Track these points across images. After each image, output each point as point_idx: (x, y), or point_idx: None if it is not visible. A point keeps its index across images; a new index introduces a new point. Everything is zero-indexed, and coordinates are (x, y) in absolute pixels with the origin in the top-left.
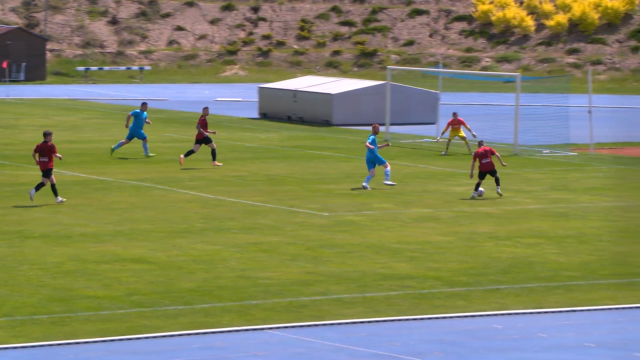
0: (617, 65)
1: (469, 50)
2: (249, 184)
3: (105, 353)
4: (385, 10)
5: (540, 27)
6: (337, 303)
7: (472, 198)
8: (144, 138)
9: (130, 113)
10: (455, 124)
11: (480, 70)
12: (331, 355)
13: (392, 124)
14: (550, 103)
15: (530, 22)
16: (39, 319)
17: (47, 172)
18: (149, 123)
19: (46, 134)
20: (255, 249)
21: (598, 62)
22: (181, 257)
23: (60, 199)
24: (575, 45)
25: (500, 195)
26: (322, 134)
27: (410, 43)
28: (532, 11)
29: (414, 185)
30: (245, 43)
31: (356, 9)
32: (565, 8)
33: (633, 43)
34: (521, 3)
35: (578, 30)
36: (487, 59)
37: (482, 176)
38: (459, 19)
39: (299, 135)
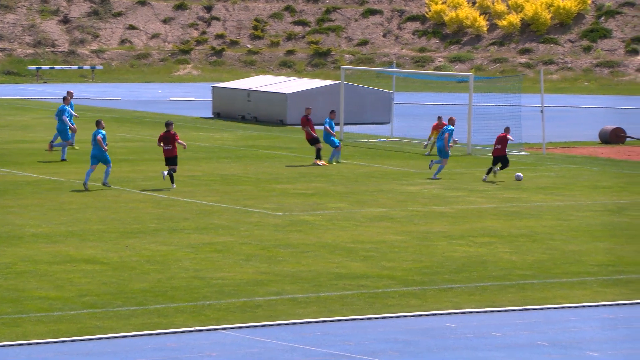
0: (569, 65)
1: (422, 50)
2: (202, 183)
3: (56, 354)
4: (338, 10)
5: (492, 27)
6: (292, 303)
7: (484, 180)
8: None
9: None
10: (440, 127)
11: (433, 70)
12: (285, 355)
13: (346, 124)
14: (503, 103)
15: (482, 22)
16: None
17: (173, 160)
18: (76, 116)
19: (168, 124)
20: (209, 249)
21: (550, 62)
22: (134, 257)
23: (173, 185)
24: (527, 45)
25: (495, 174)
26: (276, 133)
27: (363, 43)
28: (485, 11)
29: (368, 185)
30: (199, 42)
31: (310, 8)
32: (518, 8)
33: (585, 43)
34: (474, 3)
35: (530, 30)
36: (441, 59)
37: (494, 161)
38: (412, 19)
39: (253, 135)
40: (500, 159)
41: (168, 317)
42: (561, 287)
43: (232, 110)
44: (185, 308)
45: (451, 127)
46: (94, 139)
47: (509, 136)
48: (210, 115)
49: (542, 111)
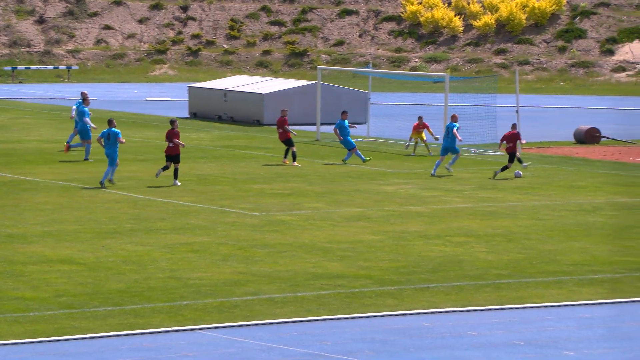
0: (544, 66)
1: (398, 50)
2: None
3: (33, 354)
4: (315, 11)
5: (468, 27)
6: (269, 303)
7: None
8: None
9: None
10: (420, 127)
11: (409, 70)
12: (262, 355)
13: (322, 124)
14: (479, 103)
15: (458, 22)
16: None
17: (176, 157)
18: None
19: (172, 121)
20: (186, 250)
21: (525, 62)
22: (110, 257)
23: (177, 182)
24: (502, 46)
25: (493, 176)
26: (253, 133)
27: (340, 43)
28: (460, 12)
29: (345, 185)
30: (175, 42)
31: (286, 8)
32: (493, 9)
33: (560, 43)
34: (449, 4)
35: (505, 30)
36: (416, 59)
37: (510, 159)
38: (388, 19)
39: (230, 135)
40: (512, 155)
41: (145, 318)
42: (537, 287)
43: (209, 110)
44: (162, 308)
45: (455, 124)
46: (107, 138)
47: (517, 132)
48: (187, 115)
49: (517, 111)
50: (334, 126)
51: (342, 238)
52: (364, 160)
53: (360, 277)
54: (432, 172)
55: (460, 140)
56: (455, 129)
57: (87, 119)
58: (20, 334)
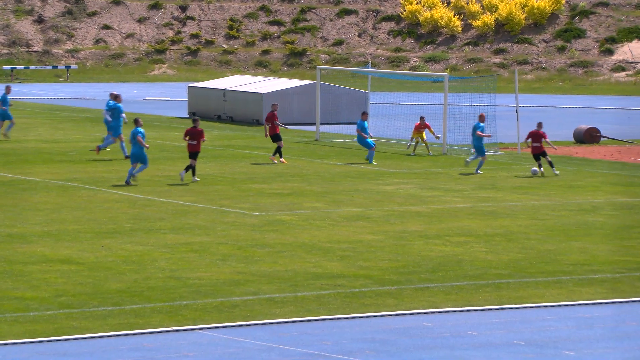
0: (544, 65)
1: (397, 50)
2: (178, 183)
3: (33, 354)
4: (314, 10)
5: (467, 27)
6: (269, 303)
7: (534, 174)
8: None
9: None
10: (422, 127)
11: (408, 70)
12: (262, 355)
13: (322, 124)
14: (478, 103)
15: (457, 22)
16: None
17: (194, 155)
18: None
19: (195, 120)
20: (185, 249)
21: (524, 62)
22: (110, 257)
23: (196, 178)
24: (501, 45)
25: (541, 175)
26: (252, 133)
27: (339, 43)
28: (459, 11)
29: (344, 185)
30: (174, 42)
31: (285, 8)
32: (492, 8)
33: (559, 43)
34: (448, 4)
35: (504, 30)
36: (416, 59)
37: (536, 158)
38: (387, 19)
39: (229, 135)
40: (542, 155)
41: (144, 318)
42: (537, 287)
43: (208, 110)
44: (162, 308)
45: (481, 124)
46: (134, 138)
47: (542, 132)
48: (186, 115)
49: (516, 111)
50: (356, 127)
51: (341, 238)
52: (370, 162)
53: (360, 276)
54: (468, 160)
55: (489, 137)
56: (479, 131)
57: (124, 115)
58: (20, 333)
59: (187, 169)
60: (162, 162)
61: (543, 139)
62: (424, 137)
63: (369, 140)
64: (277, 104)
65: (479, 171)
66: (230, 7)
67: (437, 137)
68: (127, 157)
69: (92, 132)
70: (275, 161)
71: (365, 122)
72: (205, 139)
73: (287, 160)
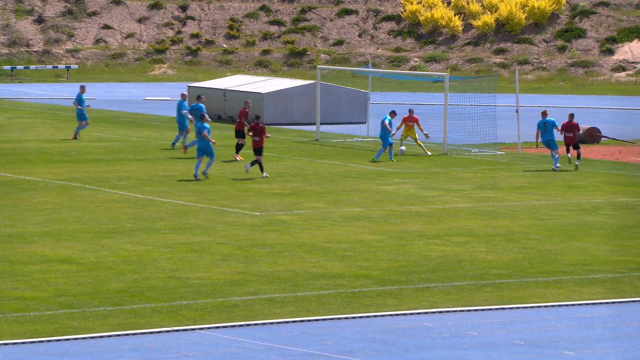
0: (544, 65)
1: (397, 50)
2: (178, 183)
3: (33, 354)
4: (314, 10)
5: (467, 27)
6: (269, 302)
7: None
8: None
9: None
10: (410, 121)
11: (409, 70)
12: (262, 355)
13: (322, 124)
14: (478, 103)
15: (457, 22)
16: None
17: (259, 150)
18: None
19: (258, 117)
20: (185, 249)
21: (525, 62)
22: (110, 257)
23: (265, 174)
24: (502, 45)
25: (576, 168)
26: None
27: (339, 43)
28: (460, 11)
29: (344, 185)
30: (174, 42)
31: (285, 8)
32: (492, 8)
33: (559, 43)
34: (449, 3)
35: (505, 30)
36: (416, 59)
37: (567, 148)
38: (388, 19)
39: (230, 135)
40: (574, 146)
41: (145, 317)
42: (537, 287)
43: (208, 110)
44: (162, 308)
45: (553, 119)
46: (200, 133)
47: (575, 122)
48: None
49: (517, 111)
50: (385, 121)
51: (342, 238)
52: (375, 160)
53: (360, 276)
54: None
55: (390, 132)
56: (556, 126)
57: (186, 112)
58: (20, 333)
59: (252, 164)
60: (163, 162)
61: (577, 131)
62: (416, 135)
63: (389, 138)
64: (250, 101)
65: (557, 166)
66: (230, 6)
67: (427, 135)
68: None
69: (93, 132)
70: (238, 158)
71: (391, 121)
72: (268, 135)
73: (287, 161)
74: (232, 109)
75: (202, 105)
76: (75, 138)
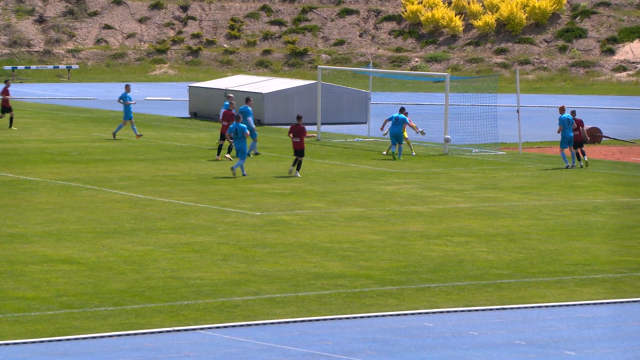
0: (545, 65)
1: (398, 50)
2: (179, 183)
3: (34, 354)
4: (315, 10)
5: (468, 27)
6: (270, 303)
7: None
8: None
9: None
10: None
11: (410, 70)
12: (263, 355)
13: (323, 124)
14: (479, 103)
15: (458, 22)
16: None
17: (300, 152)
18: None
19: (299, 117)
20: (186, 249)
21: (526, 62)
22: (111, 257)
23: (298, 174)
24: (503, 45)
25: (586, 165)
26: None
27: (340, 43)
28: (461, 11)
29: (345, 185)
30: (175, 42)
31: (286, 8)
32: (493, 8)
33: (560, 43)
34: (449, 3)
35: (506, 30)
36: (417, 59)
37: (576, 146)
38: (389, 19)
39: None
40: (578, 144)
41: (145, 317)
42: (538, 287)
43: (209, 110)
44: (163, 308)
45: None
46: (238, 134)
47: (578, 119)
48: (187, 115)
49: (518, 111)
50: (398, 120)
51: (342, 238)
52: (387, 152)
53: (361, 277)
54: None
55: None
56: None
57: (250, 119)
58: (21, 333)
59: (296, 166)
60: (163, 162)
61: (582, 128)
62: (406, 135)
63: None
64: (234, 102)
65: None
66: (231, 7)
67: (423, 133)
68: (256, 153)
69: (94, 132)
70: (220, 159)
71: (406, 118)
72: (308, 135)
73: (288, 161)
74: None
75: (249, 108)
76: (114, 136)
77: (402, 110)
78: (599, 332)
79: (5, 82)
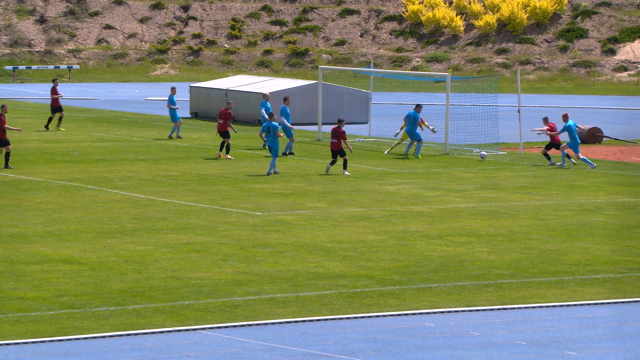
0: (546, 65)
1: (399, 50)
2: (180, 183)
3: (34, 354)
4: (316, 10)
5: (469, 27)
6: (270, 303)
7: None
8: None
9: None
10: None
11: (410, 70)
12: (264, 355)
13: (324, 124)
14: (480, 103)
15: (459, 22)
16: None
17: (340, 152)
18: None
19: (340, 120)
20: (187, 249)
21: (527, 62)
22: (112, 257)
23: (346, 172)
24: (504, 45)
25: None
26: (253, 133)
27: (341, 43)
28: (462, 11)
29: (346, 185)
30: (176, 42)
31: (287, 8)
32: (494, 8)
33: (561, 43)
34: (450, 3)
35: (507, 30)
36: (418, 59)
37: (548, 146)
38: (389, 19)
39: (231, 135)
40: (555, 145)
41: (146, 318)
42: (539, 287)
43: (210, 110)
44: (164, 308)
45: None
46: (269, 132)
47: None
48: (188, 115)
49: (519, 111)
50: (411, 118)
51: (343, 238)
52: (388, 152)
53: (361, 277)
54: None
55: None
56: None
57: (283, 118)
58: (21, 333)
59: (340, 165)
60: (164, 162)
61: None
62: (405, 136)
63: (418, 132)
64: (232, 102)
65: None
66: (232, 7)
67: (434, 131)
68: (291, 153)
69: (94, 132)
70: (221, 156)
71: (419, 115)
72: (345, 139)
73: (288, 161)
74: (233, 109)
75: (287, 107)
76: (170, 138)
77: (417, 107)
78: (600, 332)
79: (53, 81)
